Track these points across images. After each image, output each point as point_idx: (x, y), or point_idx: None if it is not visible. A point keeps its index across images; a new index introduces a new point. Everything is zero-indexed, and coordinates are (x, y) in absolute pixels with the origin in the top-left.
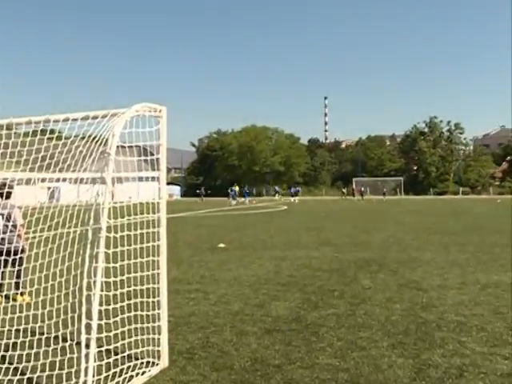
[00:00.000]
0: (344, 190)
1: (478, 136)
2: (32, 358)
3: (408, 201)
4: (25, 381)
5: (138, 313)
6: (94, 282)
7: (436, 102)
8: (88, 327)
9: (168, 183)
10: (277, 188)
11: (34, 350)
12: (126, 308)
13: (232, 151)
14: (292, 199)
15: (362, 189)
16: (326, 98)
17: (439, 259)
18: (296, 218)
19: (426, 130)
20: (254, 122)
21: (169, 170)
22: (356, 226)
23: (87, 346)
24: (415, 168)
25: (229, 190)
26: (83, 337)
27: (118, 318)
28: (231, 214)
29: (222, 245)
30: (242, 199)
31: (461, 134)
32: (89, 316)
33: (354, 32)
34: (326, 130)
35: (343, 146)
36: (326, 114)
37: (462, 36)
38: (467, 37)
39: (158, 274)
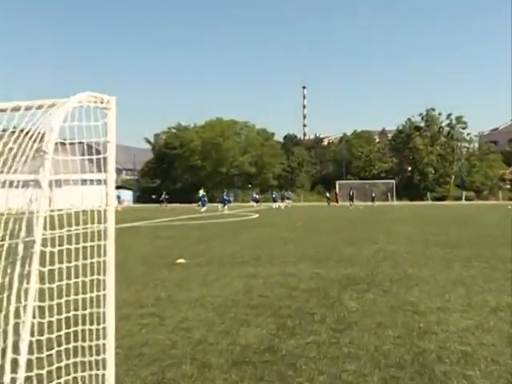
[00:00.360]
0: (328, 195)
1: (484, 131)
2: None
3: (401, 207)
4: None
5: (79, 344)
6: (25, 306)
7: (433, 93)
8: (14, 364)
9: (117, 187)
10: (255, 195)
11: None
12: (63, 338)
13: (194, 149)
14: (276, 205)
15: (352, 192)
16: (304, 88)
17: (439, 276)
18: (270, 228)
19: (422, 124)
20: (220, 116)
21: (119, 172)
22: (341, 236)
23: None
24: (409, 169)
25: (200, 196)
26: (7, 377)
27: (53, 351)
28: (194, 224)
29: (182, 260)
30: (220, 206)
31: (464, 128)
32: (16, 350)
33: (337, 13)
34: (304, 125)
35: (325, 143)
36: (304, 106)
37: (462, 17)
38: (466, 18)
39: (105, 295)
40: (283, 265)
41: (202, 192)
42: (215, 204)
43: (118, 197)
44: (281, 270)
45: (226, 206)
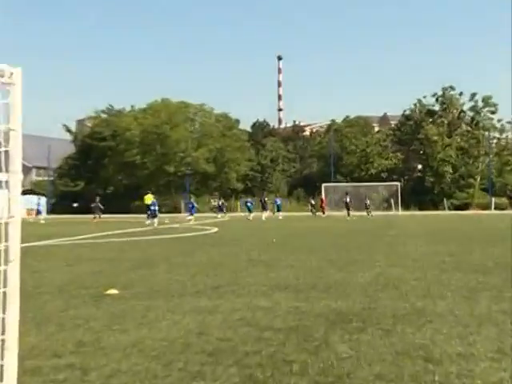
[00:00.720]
0: (313, 202)
1: None
2: None
3: (409, 218)
4: None
5: None
6: None
7: (452, 68)
8: None
9: (25, 191)
10: (222, 202)
11: None
12: None
13: (131, 141)
14: (250, 216)
15: (348, 199)
16: (280, 59)
17: (460, 312)
18: (234, 247)
19: (437, 107)
20: (167, 96)
21: (27, 171)
22: (328, 257)
23: None
24: (420, 167)
25: (148, 204)
26: None
27: None
28: (132, 242)
29: (113, 291)
30: (188, 216)
31: (493, 113)
32: None
33: None
34: (279, 109)
35: (307, 133)
36: (279, 84)
37: None
38: None
39: (4, 341)
40: (251, 296)
41: (149, 199)
42: (172, 214)
43: (38, 205)
44: (248, 303)
45: (193, 216)
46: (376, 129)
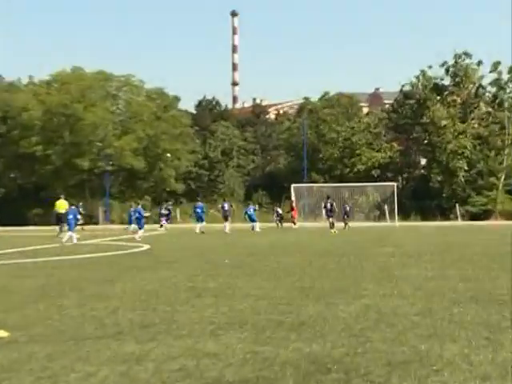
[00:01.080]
0: (279, 210)
1: None
2: None
3: (408, 231)
4: None
5: None
6: None
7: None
8: None
9: None
10: (169, 207)
11: None
12: None
13: (29, 125)
14: (201, 227)
15: (329, 205)
16: (234, 16)
17: (478, 358)
18: (172, 270)
19: (448, 81)
20: (79, 65)
21: None
22: (300, 284)
23: None
24: (423, 162)
25: (60, 213)
26: None
27: None
28: (30, 264)
29: (1, 333)
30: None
31: None
32: None
33: None
34: (234, 83)
35: (271, 115)
36: (234, 50)
37: None
38: None
39: None
40: (194, 337)
41: (63, 206)
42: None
43: None
44: (190, 348)
45: (133, 227)
46: (365, 110)
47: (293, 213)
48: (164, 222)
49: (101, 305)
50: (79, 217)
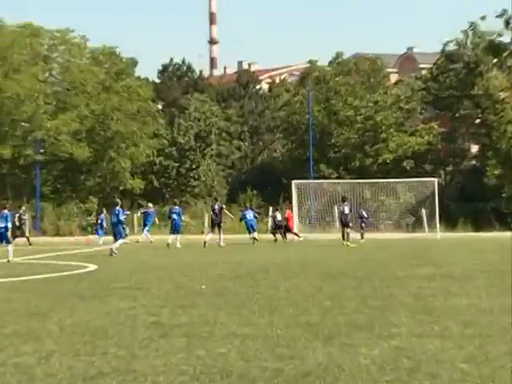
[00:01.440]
0: (278, 216)
1: None
2: None
3: (455, 246)
4: None
5: None
6: None
7: None
8: None
9: None
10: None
11: None
12: None
13: None
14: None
15: (346, 210)
16: None
17: None
18: (127, 299)
19: (508, 37)
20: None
21: None
22: (305, 319)
23: None
24: (474, 150)
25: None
26: None
27: None
28: None
29: None
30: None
31: None
32: None
33: None
34: (212, 41)
35: (263, 85)
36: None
37: None
38: None
39: None
40: None
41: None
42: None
43: None
44: None
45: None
46: (393, 78)
47: (289, 222)
48: (102, 233)
49: (28, 348)
50: (10, 225)
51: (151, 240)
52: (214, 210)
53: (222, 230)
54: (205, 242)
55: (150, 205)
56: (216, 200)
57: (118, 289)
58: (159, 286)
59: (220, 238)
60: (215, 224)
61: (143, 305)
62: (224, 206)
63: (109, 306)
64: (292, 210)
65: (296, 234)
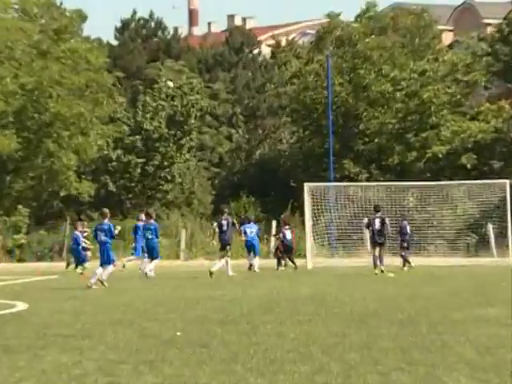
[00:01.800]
0: (287, 233)
1: None
2: None
3: None
4: None
5: None
6: None
7: None
8: None
9: None
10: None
11: None
12: None
13: None
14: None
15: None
16: None
17: None
18: (71, 352)
19: None
20: None
21: None
22: (320, 379)
23: None
24: None
25: None
26: None
27: None
28: None
29: None
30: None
31: None
32: None
33: None
34: None
35: (263, 49)
36: None
37: None
38: None
39: None
40: None
41: None
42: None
43: None
44: None
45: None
46: (447, 39)
47: (278, 242)
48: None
49: None
50: None
51: (124, 265)
52: (221, 226)
53: (229, 253)
54: (211, 273)
55: (142, 216)
56: (225, 213)
57: (57, 336)
58: (116, 333)
59: (229, 267)
60: (224, 245)
61: (94, 359)
62: (235, 221)
63: (45, 361)
64: (284, 226)
65: (287, 260)
